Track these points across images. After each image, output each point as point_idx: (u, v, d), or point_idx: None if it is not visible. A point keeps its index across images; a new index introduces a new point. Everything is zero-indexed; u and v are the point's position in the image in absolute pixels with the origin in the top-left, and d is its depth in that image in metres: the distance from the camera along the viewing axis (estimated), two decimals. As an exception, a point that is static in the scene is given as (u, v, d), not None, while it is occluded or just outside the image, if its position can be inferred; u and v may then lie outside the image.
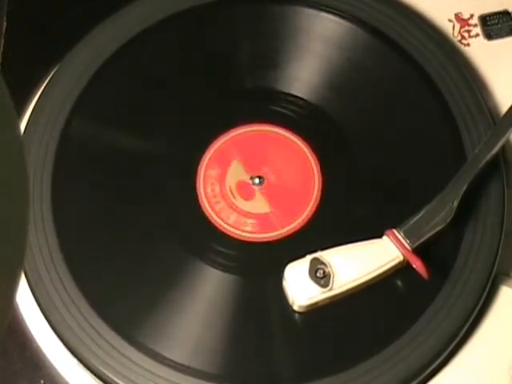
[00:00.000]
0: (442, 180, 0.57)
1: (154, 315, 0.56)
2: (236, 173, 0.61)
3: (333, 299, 0.55)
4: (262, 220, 0.59)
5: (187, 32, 0.65)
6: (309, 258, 0.55)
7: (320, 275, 0.55)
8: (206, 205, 0.59)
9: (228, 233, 0.59)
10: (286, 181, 0.60)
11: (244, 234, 0.59)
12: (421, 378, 0.54)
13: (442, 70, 0.62)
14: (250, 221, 0.59)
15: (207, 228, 0.59)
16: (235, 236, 0.58)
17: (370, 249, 0.56)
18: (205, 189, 0.60)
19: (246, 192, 0.60)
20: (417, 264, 0.55)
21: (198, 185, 0.60)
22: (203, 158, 0.61)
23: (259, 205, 0.60)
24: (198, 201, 0.60)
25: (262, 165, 0.61)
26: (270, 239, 0.58)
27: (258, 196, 0.60)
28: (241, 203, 0.60)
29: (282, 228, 0.59)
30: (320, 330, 0.56)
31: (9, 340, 0.56)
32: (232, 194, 0.60)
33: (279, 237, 0.58)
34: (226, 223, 0.59)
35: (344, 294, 0.55)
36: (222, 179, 0.60)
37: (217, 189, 0.60)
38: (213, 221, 0.59)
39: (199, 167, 0.61)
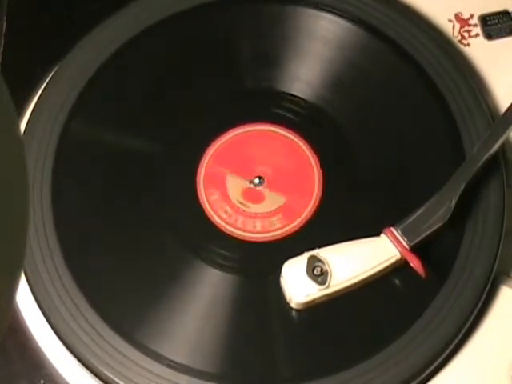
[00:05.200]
0: (441, 179, 0.57)
1: (154, 315, 0.56)
2: (235, 185, 0.60)
3: (330, 297, 0.55)
4: (285, 210, 0.59)
5: (187, 32, 0.65)
6: (306, 255, 0.55)
7: (317, 273, 0.55)
8: (206, 204, 0.59)
9: (228, 232, 0.59)
10: (286, 174, 0.60)
11: (243, 233, 0.59)
12: (421, 377, 0.54)
13: (441, 70, 0.62)
14: (276, 218, 0.59)
15: (207, 227, 0.59)
16: (235, 235, 0.58)
17: (368, 247, 0.56)
18: (206, 191, 0.60)
19: (254, 196, 0.60)
20: (414, 262, 0.55)
21: (198, 184, 0.60)
22: (203, 157, 0.61)
23: (274, 200, 0.60)
24: (197, 200, 0.60)
25: (258, 165, 0.61)
26: (270, 239, 0.58)
27: (268, 193, 0.60)
28: (256, 208, 0.60)
29: (286, 225, 0.59)
30: (320, 329, 0.56)
31: (9, 340, 0.56)
32: (243, 204, 0.60)
33: (279, 236, 0.58)
34: (232, 226, 0.59)
35: (341, 292, 0.55)
36: (226, 198, 0.60)
37: (228, 209, 0.59)
38: (213, 220, 0.59)
39: (199, 167, 0.61)
